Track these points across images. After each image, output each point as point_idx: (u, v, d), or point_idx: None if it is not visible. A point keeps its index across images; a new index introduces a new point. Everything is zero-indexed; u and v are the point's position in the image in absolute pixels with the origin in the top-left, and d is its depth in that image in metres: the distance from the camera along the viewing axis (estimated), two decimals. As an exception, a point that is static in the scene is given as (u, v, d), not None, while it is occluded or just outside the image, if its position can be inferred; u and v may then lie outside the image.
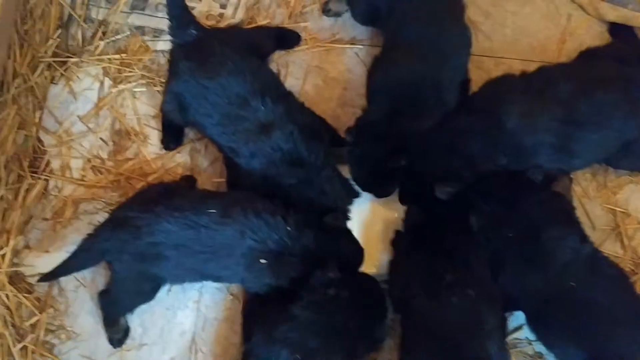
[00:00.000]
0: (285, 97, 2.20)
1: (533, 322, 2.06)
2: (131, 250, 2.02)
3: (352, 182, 2.24)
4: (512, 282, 2.02)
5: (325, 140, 2.19)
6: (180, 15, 2.26)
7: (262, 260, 1.99)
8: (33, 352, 2.21)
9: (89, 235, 2.12)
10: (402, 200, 2.26)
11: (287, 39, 2.51)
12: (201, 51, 2.20)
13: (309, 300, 1.95)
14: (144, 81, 2.51)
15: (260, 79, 2.16)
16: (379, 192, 2.28)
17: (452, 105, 2.15)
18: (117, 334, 2.24)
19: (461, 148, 2.05)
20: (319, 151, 2.12)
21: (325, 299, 1.95)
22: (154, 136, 2.47)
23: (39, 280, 2.22)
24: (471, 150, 2.05)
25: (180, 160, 2.43)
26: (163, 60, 2.53)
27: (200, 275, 2.14)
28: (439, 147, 2.09)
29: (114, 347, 2.25)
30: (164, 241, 1.99)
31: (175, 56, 2.29)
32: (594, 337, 1.92)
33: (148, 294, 2.18)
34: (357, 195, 2.23)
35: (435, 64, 2.13)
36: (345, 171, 2.24)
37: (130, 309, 2.22)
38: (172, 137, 2.43)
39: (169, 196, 2.09)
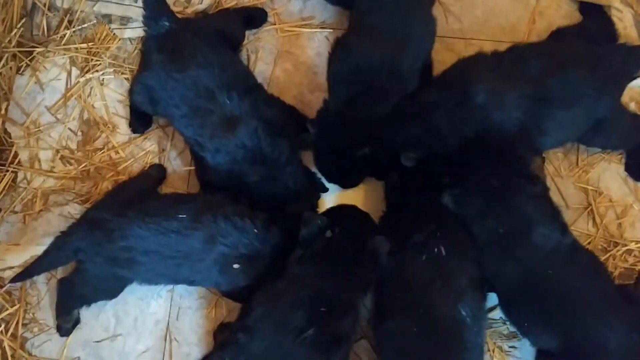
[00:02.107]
0: (252, 91, 2.17)
1: (507, 307, 2.06)
2: (104, 253, 2.01)
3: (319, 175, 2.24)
4: (490, 267, 2.01)
5: (293, 134, 2.18)
6: (154, 6, 2.24)
7: (236, 265, 1.99)
8: (4, 347, 2.20)
9: (63, 233, 2.09)
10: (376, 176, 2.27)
11: (254, 17, 2.49)
12: (173, 44, 2.17)
13: (311, 253, 1.93)
14: (111, 69, 2.48)
15: (229, 72, 2.14)
16: (345, 182, 2.28)
17: (410, 91, 2.13)
18: (68, 324, 2.23)
19: (427, 118, 2.04)
20: (283, 148, 2.11)
21: (327, 243, 1.94)
22: (123, 125, 2.45)
23: (11, 281, 2.20)
24: (437, 121, 2.04)
25: (149, 148, 2.41)
26: (131, 48, 2.50)
27: (173, 280, 2.13)
28: (405, 116, 2.08)
29: (61, 336, 2.24)
30: (136, 246, 1.98)
31: (147, 48, 2.26)
32: (568, 325, 1.92)
33: (113, 293, 2.18)
34: (325, 189, 2.23)
35: (396, 51, 2.10)
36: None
37: (90, 303, 2.20)
38: (140, 121, 2.41)
39: (143, 199, 2.09)
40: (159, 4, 2.25)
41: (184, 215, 1.98)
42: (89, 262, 2.06)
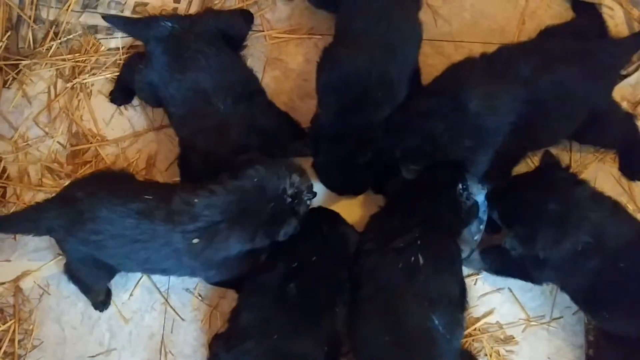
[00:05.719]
0: (249, 97, 2.15)
1: (582, 302, 2.05)
2: (77, 233, 1.97)
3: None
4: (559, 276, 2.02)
5: (284, 143, 2.16)
6: None
7: (195, 240, 1.89)
8: (-2, 365, 2.19)
9: (37, 204, 2.05)
10: (376, 190, 2.25)
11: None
12: (176, 45, 2.17)
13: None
14: (98, 80, 2.46)
15: (227, 76, 2.13)
16: (355, 190, 2.26)
17: (401, 97, 2.10)
18: (98, 297, 2.24)
19: (422, 128, 2.02)
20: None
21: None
22: (112, 136, 2.43)
23: None
24: (433, 130, 2.01)
25: (138, 159, 2.39)
26: (117, 57, 2.47)
27: (143, 268, 2.09)
28: (402, 127, 2.06)
29: (98, 310, 2.25)
30: (104, 229, 1.93)
31: (152, 49, 2.21)
32: None
33: (102, 278, 2.16)
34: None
35: (383, 58, 2.06)
36: (307, 164, 2.19)
37: (95, 284, 2.20)
38: (122, 94, 2.42)
39: (116, 183, 2.04)
40: None
41: (150, 197, 1.94)
42: (64, 242, 2.04)
